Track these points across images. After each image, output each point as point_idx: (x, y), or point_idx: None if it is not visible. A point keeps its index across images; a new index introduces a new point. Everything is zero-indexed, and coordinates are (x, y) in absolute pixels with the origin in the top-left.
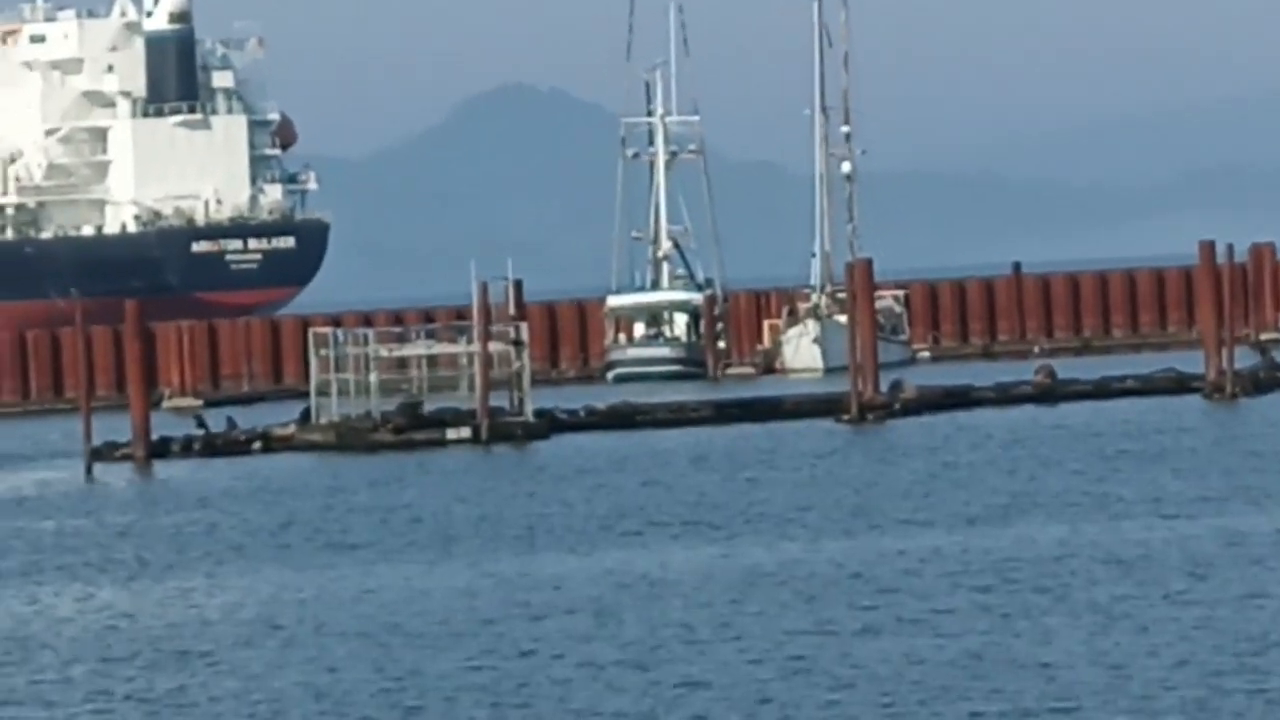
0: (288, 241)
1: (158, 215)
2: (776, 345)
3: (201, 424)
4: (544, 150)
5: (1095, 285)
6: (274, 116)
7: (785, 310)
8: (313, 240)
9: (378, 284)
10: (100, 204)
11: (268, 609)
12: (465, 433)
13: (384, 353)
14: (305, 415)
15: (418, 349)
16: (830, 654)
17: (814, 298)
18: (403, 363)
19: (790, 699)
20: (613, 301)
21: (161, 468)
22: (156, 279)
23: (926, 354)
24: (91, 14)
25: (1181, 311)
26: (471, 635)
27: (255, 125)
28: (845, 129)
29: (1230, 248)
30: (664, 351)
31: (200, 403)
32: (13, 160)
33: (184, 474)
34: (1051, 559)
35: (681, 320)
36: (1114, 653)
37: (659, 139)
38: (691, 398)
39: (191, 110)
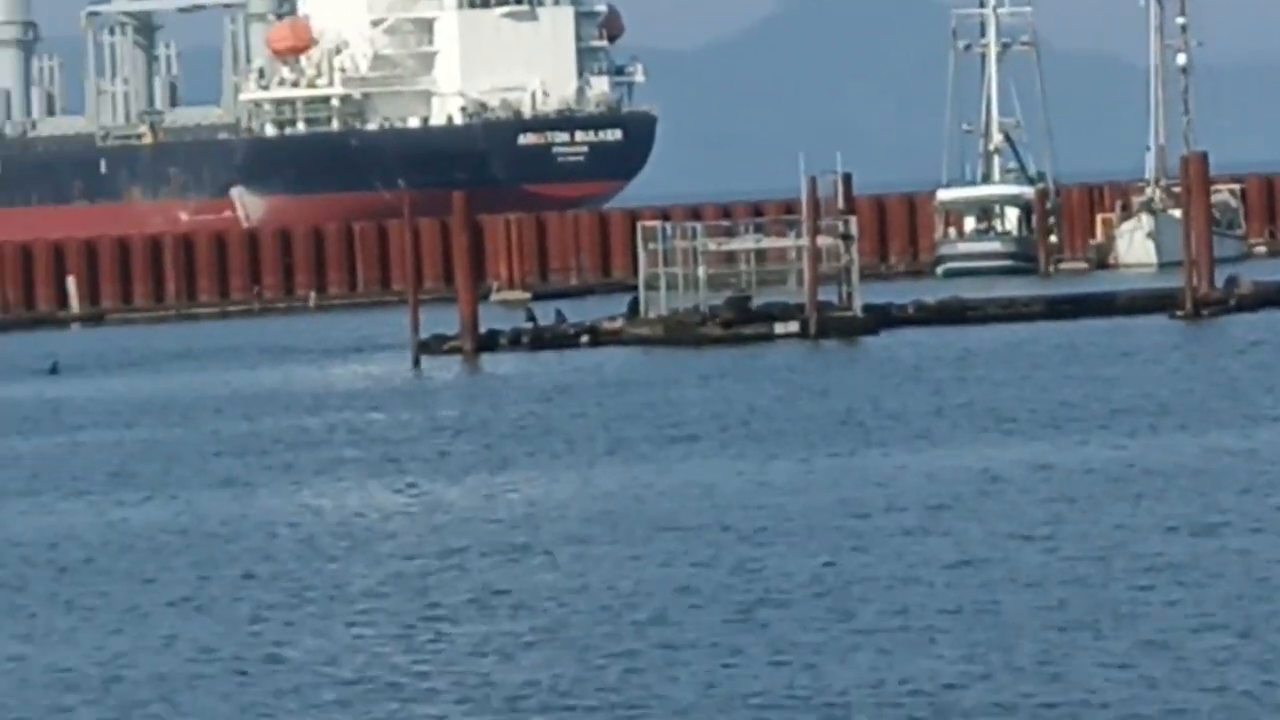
0: (615, 134)
1: (484, 107)
2: (1110, 240)
3: (531, 317)
4: (875, 42)
5: None
6: (601, 8)
7: (1119, 204)
8: (640, 133)
9: (706, 177)
10: (426, 96)
11: (602, 504)
12: (793, 327)
13: (712, 246)
14: (632, 308)
15: (746, 243)
16: (1179, 551)
17: (1148, 192)
18: (731, 257)
19: (1129, 598)
20: (943, 195)
21: (489, 361)
22: (482, 171)
23: (1263, 249)
24: None
25: None
26: (804, 531)
27: (582, 17)
28: (1181, 20)
29: None
30: (995, 246)
31: (528, 296)
32: (338, 51)
33: (511, 367)
34: None
35: (1013, 214)
36: None
37: (991, 30)
38: (1022, 293)
39: (518, 1)
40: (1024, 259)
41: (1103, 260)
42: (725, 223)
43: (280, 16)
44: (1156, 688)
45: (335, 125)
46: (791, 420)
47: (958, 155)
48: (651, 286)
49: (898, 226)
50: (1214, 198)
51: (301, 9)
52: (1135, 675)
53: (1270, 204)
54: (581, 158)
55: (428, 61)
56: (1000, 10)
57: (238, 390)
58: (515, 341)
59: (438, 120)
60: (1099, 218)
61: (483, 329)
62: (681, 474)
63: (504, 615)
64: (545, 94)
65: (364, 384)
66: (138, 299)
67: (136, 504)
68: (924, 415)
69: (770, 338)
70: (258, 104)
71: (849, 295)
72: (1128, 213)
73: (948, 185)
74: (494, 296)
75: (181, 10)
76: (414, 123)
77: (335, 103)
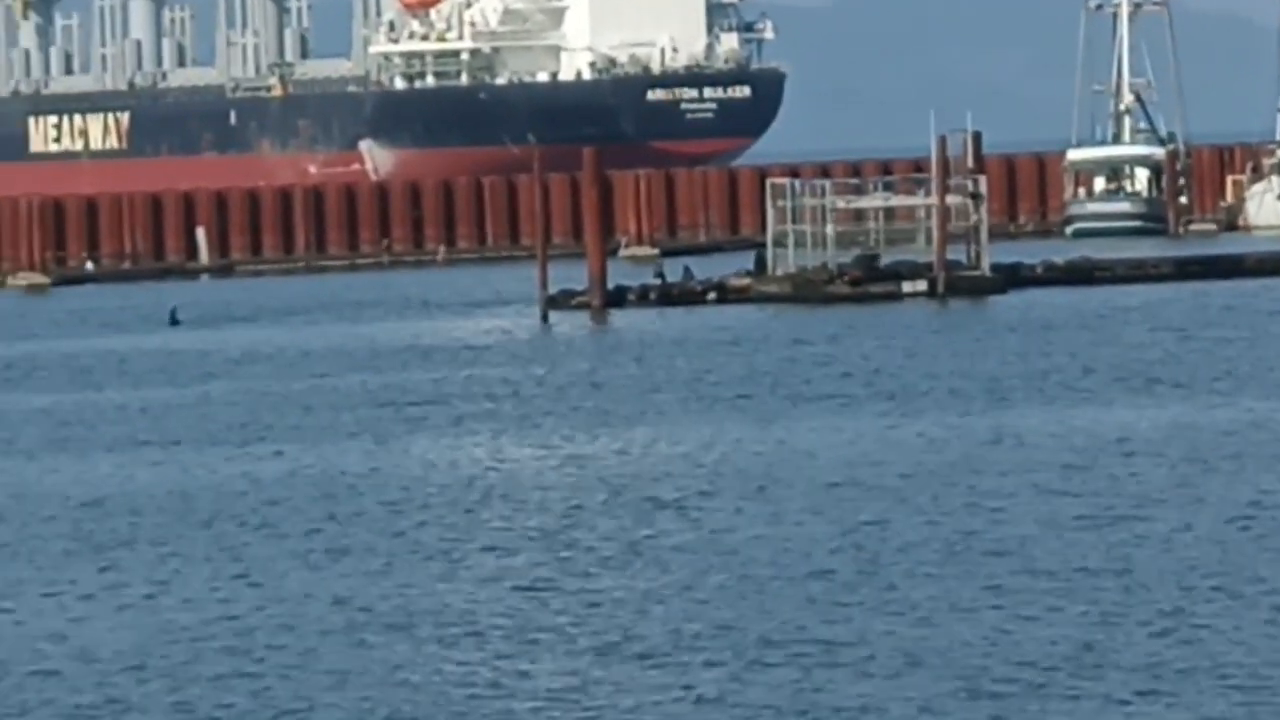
0: (743, 91)
1: (613, 63)
2: (1240, 201)
3: (659, 274)
4: (1007, 0)
5: None
6: None
7: (1249, 166)
8: (768, 90)
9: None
10: (555, 51)
11: (731, 459)
12: (921, 286)
13: (841, 204)
14: (758, 264)
15: (875, 201)
16: None
17: (1279, 154)
18: (859, 214)
19: (1267, 560)
20: (1073, 155)
21: (617, 317)
22: (611, 127)
23: None
24: None
25: None
26: (931, 489)
27: None
28: None
29: None
30: (1124, 206)
31: (656, 252)
32: (468, 5)
33: (639, 323)
34: None
35: (1143, 175)
36: None
37: None
38: (1152, 254)
39: None
40: (1153, 220)
41: (1232, 222)
42: (854, 180)
43: None
44: None
45: (464, 79)
46: (921, 379)
47: (1088, 115)
48: (780, 244)
49: (1027, 186)
50: None
51: None
52: (1269, 640)
53: None
54: (709, 114)
55: (557, 16)
56: None
57: (368, 344)
58: (643, 297)
59: (566, 75)
60: (1229, 179)
61: (611, 285)
62: (812, 431)
63: (636, 570)
64: (674, 50)
65: (492, 339)
66: (267, 251)
67: (268, 457)
68: (1056, 375)
69: (898, 296)
70: (387, 57)
71: (977, 255)
72: (1258, 174)
73: (1078, 145)
74: (622, 252)
75: None
76: (542, 77)
77: (464, 57)
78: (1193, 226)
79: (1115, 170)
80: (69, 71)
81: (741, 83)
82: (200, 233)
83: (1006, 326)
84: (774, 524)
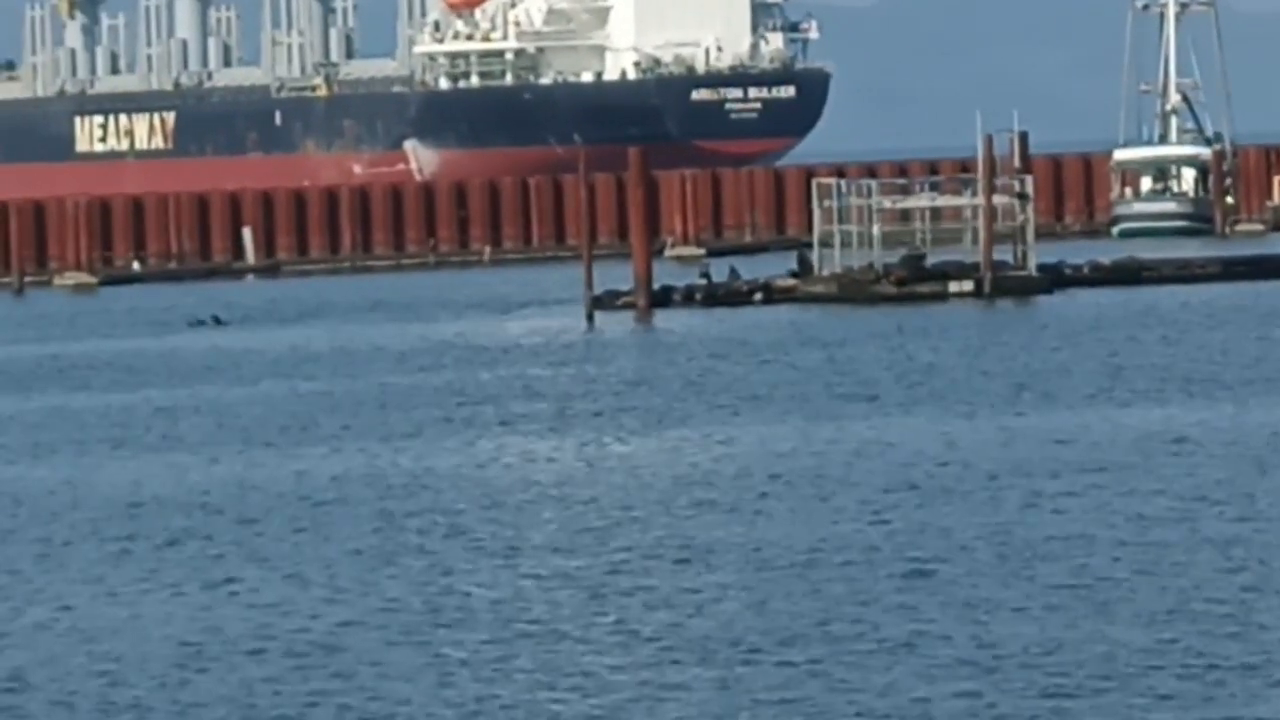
0: (788, 91)
1: (657, 63)
2: None
3: (705, 274)
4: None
5: None
6: None
7: None
8: (813, 90)
9: (881, 134)
10: (600, 50)
11: (781, 461)
12: (968, 286)
13: (887, 204)
14: (801, 264)
15: (921, 201)
16: None
17: None
18: (906, 215)
19: None
20: (1119, 155)
21: (662, 317)
22: (655, 127)
23: None
24: None
25: None
26: (982, 490)
27: None
28: None
29: None
30: (1171, 207)
31: (702, 252)
32: (513, 5)
33: (685, 324)
34: None
35: (1189, 175)
36: None
37: None
38: (1198, 254)
39: None
40: (1200, 220)
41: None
42: (900, 180)
43: None
44: None
45: (509, 79)
46: (968, 379)
47: (1135, 115)
48: (826, 244)
49: (1073, 186)
50: None
51: None
52: None
53: None
54: (754, 114)
55: (602, 16)
56: None
57: (415, 344)
58: (689, 298)
59: (611, 75)
60: (1276, 179)
61: (656, 285)
62: (859, 432)
63: (684, 570)
64: (719, 50)
65: (538, 339)
66: (313, 251)
67: (319, 457)
68: (1102, 375)
69: (944, 297)
70: (432, 57)
71: (1024, 255)
72: None
73: (1124, 145)
74: (668, 252)
75: None
76: (587, 77)
77: (509, 56)
78: (1240, 227)
79: (1162, 170)
80: (115, 71)
81: (786, 83)
82: (246, 233)
83: (1053, 326)
84: (829, 524)
